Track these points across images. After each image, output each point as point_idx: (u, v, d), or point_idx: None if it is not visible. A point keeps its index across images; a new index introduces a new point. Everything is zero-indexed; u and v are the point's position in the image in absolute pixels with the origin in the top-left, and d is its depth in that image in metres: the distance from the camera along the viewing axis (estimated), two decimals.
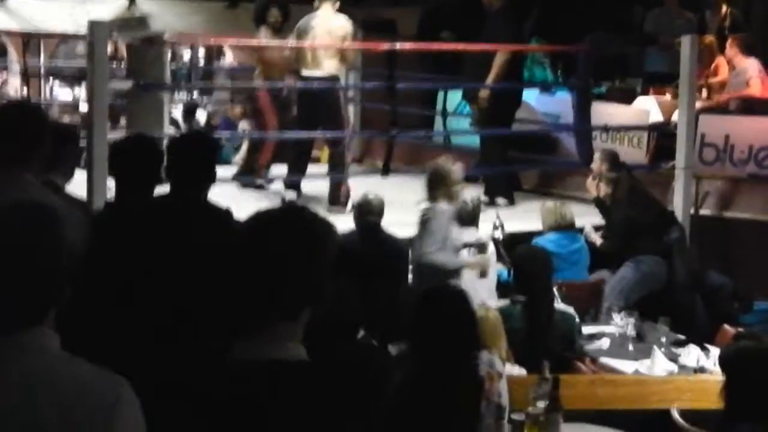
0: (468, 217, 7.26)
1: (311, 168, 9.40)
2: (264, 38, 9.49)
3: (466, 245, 7.15)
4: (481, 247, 7.19)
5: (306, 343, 2.23)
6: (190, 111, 14.15)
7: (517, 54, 9.74)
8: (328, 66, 8.77)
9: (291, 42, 9.04)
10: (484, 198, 8.92)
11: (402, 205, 7.62)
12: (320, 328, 2.34)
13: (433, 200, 6.98)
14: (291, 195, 8.86)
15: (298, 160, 9.06)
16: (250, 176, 9.54)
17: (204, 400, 2.18)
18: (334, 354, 2.27)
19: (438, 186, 6.99)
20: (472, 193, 7.81)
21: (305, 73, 8.85)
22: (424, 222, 6.92)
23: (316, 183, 9.18)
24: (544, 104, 11.27)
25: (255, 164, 9.67)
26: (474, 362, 4.19)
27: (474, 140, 10.31)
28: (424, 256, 6.85)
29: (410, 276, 7.02)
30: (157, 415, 2.15)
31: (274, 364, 2.16)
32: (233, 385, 2.16)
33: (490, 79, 9.36)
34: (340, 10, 8.91)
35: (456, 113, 11.42)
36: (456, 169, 7.10)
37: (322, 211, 6.60)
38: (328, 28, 8.78)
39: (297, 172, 9.03)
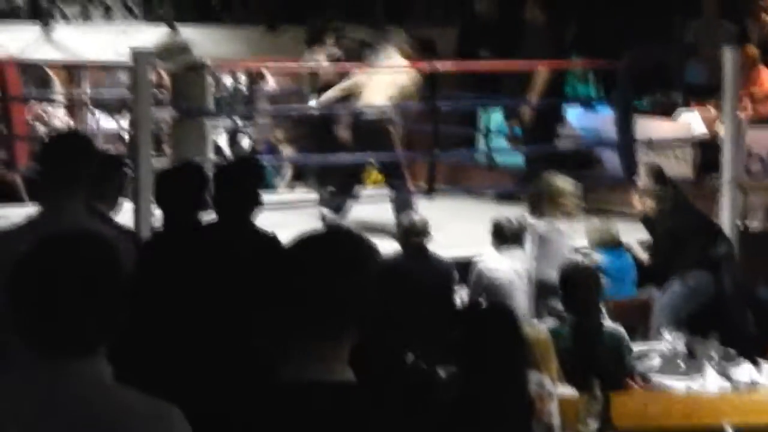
0: (513, 236, 7.22)
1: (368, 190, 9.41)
2: (320, 59, 9.60)
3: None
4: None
5: (352, 365, 2.23)
6: (234, 137, 14.21)
7: (559, 70, 9.72)
8: (378, 101, 8.78)
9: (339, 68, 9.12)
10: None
11: (446, 225, 7.59)
12: (367, 351, 2.34)
13: (542, 216, 6.90)
14: (335, 217, 8.86)
15: (347, 182, 9.05)
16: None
17: (248, 424, 2.18)
18: (380, 377, 2.26)
19: (549, 201, 6.92)
20: (516, 211, 7.78)
21: (355, 106, 8.88)
22: (538, 239, 6.85)
23: (365, 205, 9.17)
24: (586, 120, 11.21)
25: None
26: (524, 382, 4.16)
27: (517, 159, 10.27)
28: (538, 274, 6.78)
29: (519, 293, 6.91)
30: None
31: (317, 386, 2.16)
32: (276, 408, 2.16)
33: (532, 96, 9.33)
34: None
35: (498, 131, 11.39)
36: (568, 183, 7.02)
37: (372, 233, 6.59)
38: (388, 77, 8.79)
39: (344, 194, 9.03)
